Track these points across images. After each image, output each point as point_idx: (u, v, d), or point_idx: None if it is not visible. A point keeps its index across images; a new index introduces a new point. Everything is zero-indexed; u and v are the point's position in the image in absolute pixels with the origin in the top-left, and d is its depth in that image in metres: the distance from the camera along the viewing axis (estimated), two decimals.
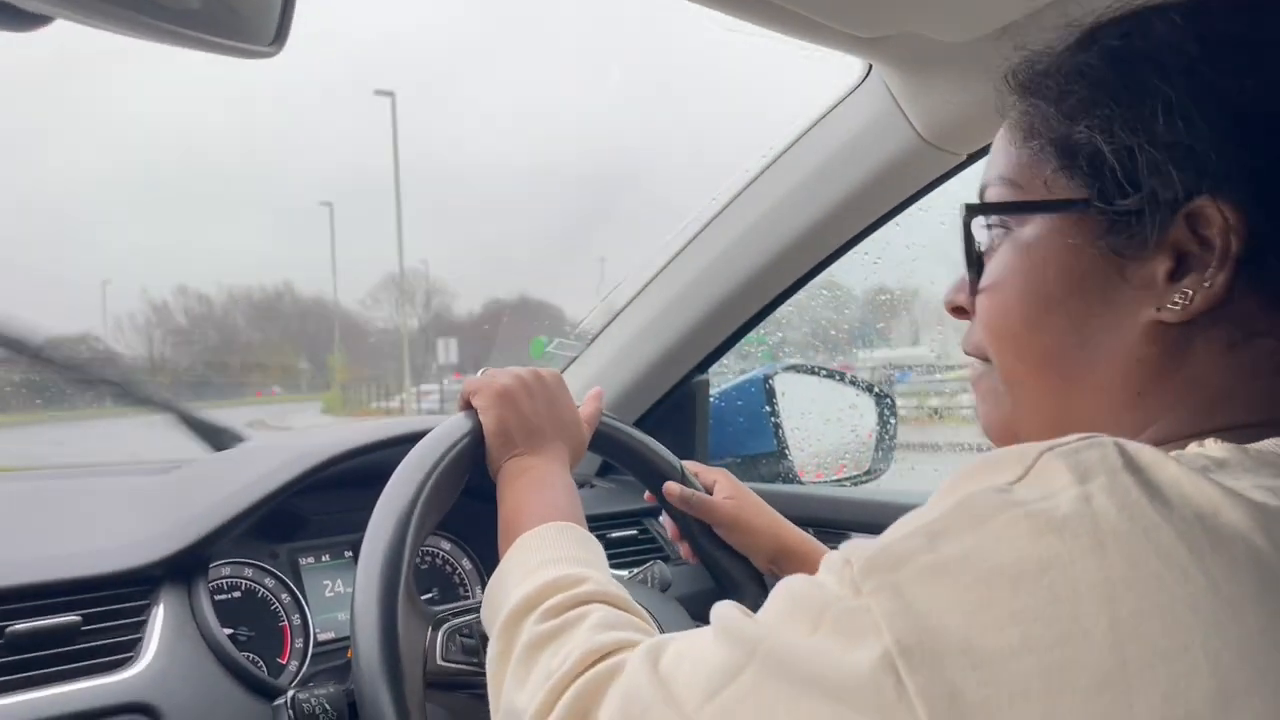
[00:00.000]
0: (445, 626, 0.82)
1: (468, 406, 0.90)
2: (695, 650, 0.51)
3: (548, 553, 0.72)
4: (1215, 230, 0.49)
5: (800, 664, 0.43)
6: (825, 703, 0.41)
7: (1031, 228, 0.56)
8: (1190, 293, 0.50)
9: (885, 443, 1.59)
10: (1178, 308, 0.50)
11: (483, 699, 0.81)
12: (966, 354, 0.62)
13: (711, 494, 1.06)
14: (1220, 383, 0.51)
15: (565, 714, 0.56)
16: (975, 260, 0.59)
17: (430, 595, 1.22)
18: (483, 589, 0.93)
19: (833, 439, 1.63)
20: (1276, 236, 0.49)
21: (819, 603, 0.44)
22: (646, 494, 1.09)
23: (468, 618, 0.84)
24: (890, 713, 0.39)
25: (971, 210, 0.58)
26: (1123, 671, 0.37)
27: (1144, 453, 0.42)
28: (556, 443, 0.88)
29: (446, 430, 0.87)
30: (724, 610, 0.52)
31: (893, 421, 1.58)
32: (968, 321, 0.62)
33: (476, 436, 0.87)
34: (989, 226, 0.59)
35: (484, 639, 0.81)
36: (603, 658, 0.58)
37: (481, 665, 0.79)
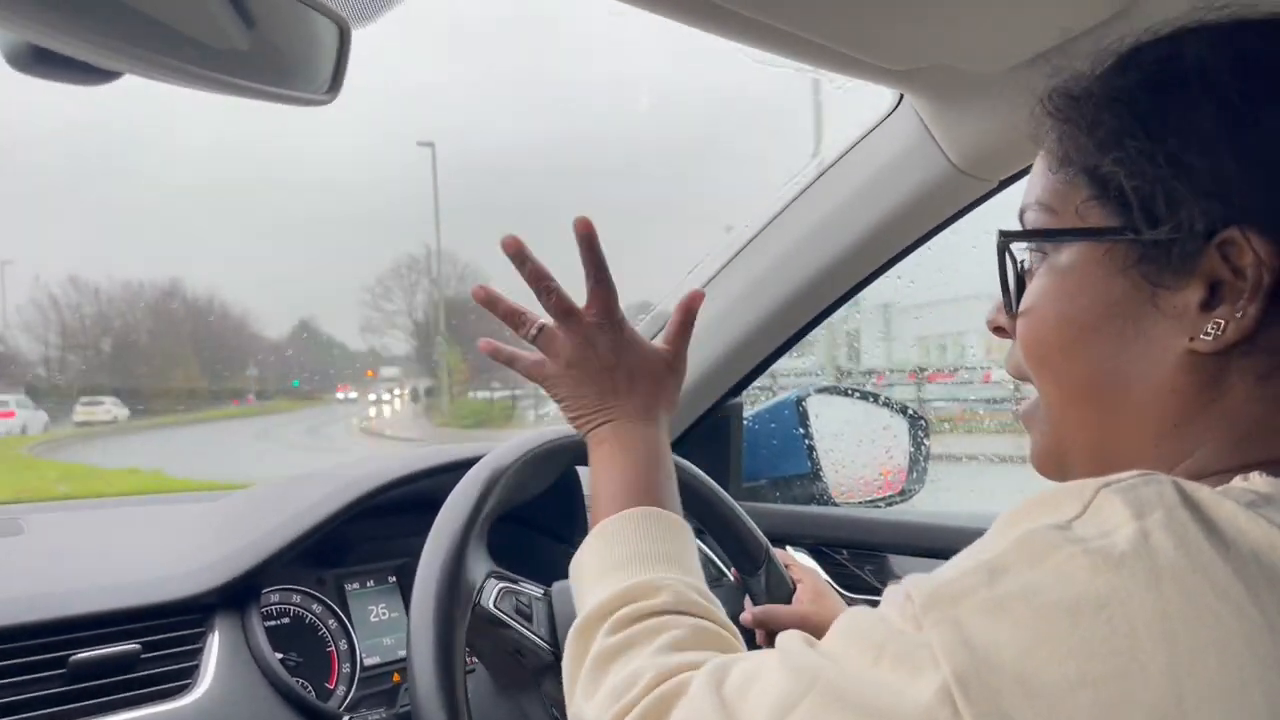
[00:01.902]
0: (503, 584, 0.85)
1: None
2: (758, 677, 0.52)
3: (625, 548, 0.71)
4: (1248, 261, 0.49)
5: (860, 695, 0.44)
6: None
7: (1066, 254, 0.56)
8: (1222, 323, 0.50)
9: (919, 464, 1.59)
10: (1210, 338, 0.50)
11: (517, 656, 0.85)
12: (1010, 374, 0.63)
13: (794, 588, 1.08)
14: (1256, 414, 0.51)
15: None
16: (1013, 283, 0.59)
17: None
18: None
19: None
20: None
21: (881, 636, 0.46)
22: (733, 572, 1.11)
23: (523, 588, 0.87)
24: None
25: (1006, 236, 0.59)
26: (1179, 707, 0.38)
27: (1201, 490, 0.43)
28: (632, 398, 0.81)
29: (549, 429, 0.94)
30: (788, 640, 0.53)
31: (926, 443, 1.59)
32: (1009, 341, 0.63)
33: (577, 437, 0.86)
34: (1027, 250, 0.60)
35: (539, 609, 0.86)
36: (668, 678, 0.59)
37: (527, 626, 0.84)
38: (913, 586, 0.46)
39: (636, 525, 0.73)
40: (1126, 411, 0.54)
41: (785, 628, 1.04)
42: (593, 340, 0.80)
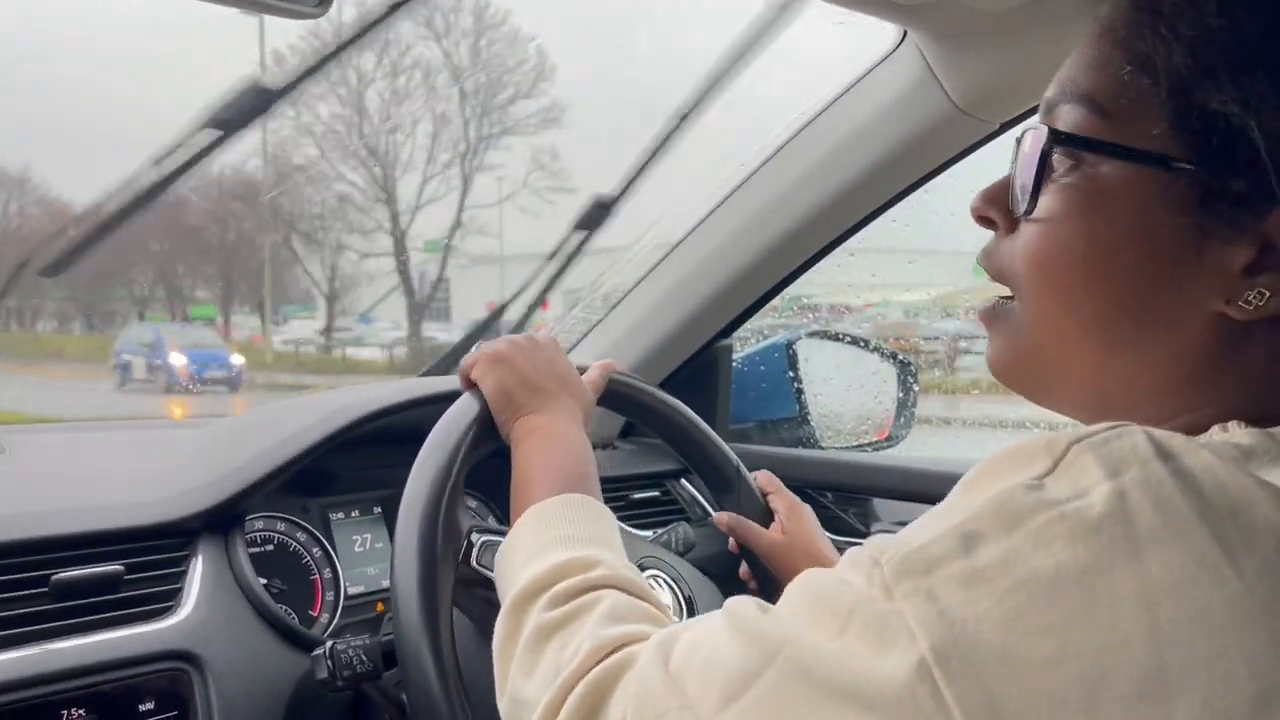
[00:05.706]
0: (484, 537, 0.83)
1: (470, 385, 0.88)
2: (709, 646, 0.49)
3: (558, 529, 0.69)
4: None
5: (826, 669, 0.42)
6: (854, 712, 0.40)
7: (1112, 170, 0.49)
8: (1266, 293, 0.46)
9: (906, 409, 1.60)
10: (1250, 307, 0.47)
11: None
12: (985, 270, 0.57)
13: (771, 513, 1.05)
14: (1271, 377, 0.48)
15: (574, 711, 0.54)
16: (1036, 180, 0.51)
17: None
18: None
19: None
20: None
21: (847, 603, 0.43)
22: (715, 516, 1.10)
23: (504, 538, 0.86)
24: None
25: (1056, 139, 0.51)
26: (1163, 678, 0.37)
27: (1174, 439, 0.41)
28: (562, 398, 0.85)
29: (453, 419, 0.85)
30: (739, 605, 0.50)
31: (915, 388, 1.59)
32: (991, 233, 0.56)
33: (484, 419, 0.85)
34: (1056, 148, 0.51)
35: None
36: (612, 651, 0.56)
37: None
38: (878, 551, 0.43)
39: (568, 509, 0.72)
40: (1137, 356, 0.50)
41: (756, 547, 1.03)
42: (527, 343, 0.88)
